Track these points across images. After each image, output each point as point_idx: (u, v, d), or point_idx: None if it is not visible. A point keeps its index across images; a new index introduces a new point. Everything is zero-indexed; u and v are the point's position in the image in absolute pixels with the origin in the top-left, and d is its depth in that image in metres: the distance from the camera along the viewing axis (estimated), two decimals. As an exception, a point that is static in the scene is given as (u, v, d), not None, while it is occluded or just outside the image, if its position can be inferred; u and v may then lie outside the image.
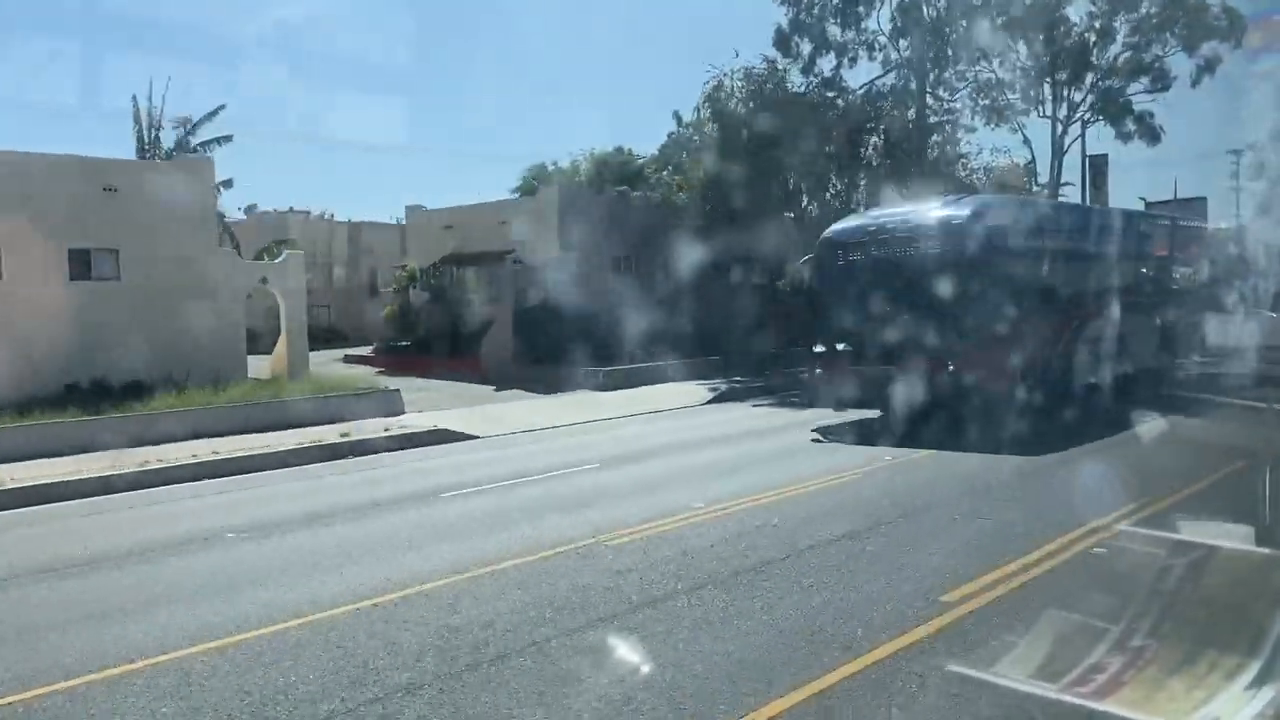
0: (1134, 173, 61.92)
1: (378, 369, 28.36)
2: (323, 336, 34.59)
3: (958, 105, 35.88)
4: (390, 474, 13.88)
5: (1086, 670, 4.62)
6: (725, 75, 28.83)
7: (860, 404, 16.27)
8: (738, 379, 24.62)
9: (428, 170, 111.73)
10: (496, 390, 23.93)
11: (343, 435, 16.59)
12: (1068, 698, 4.33)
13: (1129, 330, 17.43)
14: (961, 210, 15.51)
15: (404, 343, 29.46)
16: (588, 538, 8.95)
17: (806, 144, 29.05)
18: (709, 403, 21.59)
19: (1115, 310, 17.33)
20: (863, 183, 33.00)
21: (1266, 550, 5.42)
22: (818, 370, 16.66)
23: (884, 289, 15.37)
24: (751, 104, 28.74)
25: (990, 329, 14.48)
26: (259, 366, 23.46)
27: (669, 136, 37.24)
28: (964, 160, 37.35)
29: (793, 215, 30.66)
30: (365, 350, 30.75)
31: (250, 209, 43.29)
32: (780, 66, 29.98)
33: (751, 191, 27.86)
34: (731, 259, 27.74)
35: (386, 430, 17.23)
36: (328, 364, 29.45)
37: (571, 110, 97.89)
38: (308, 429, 17.17)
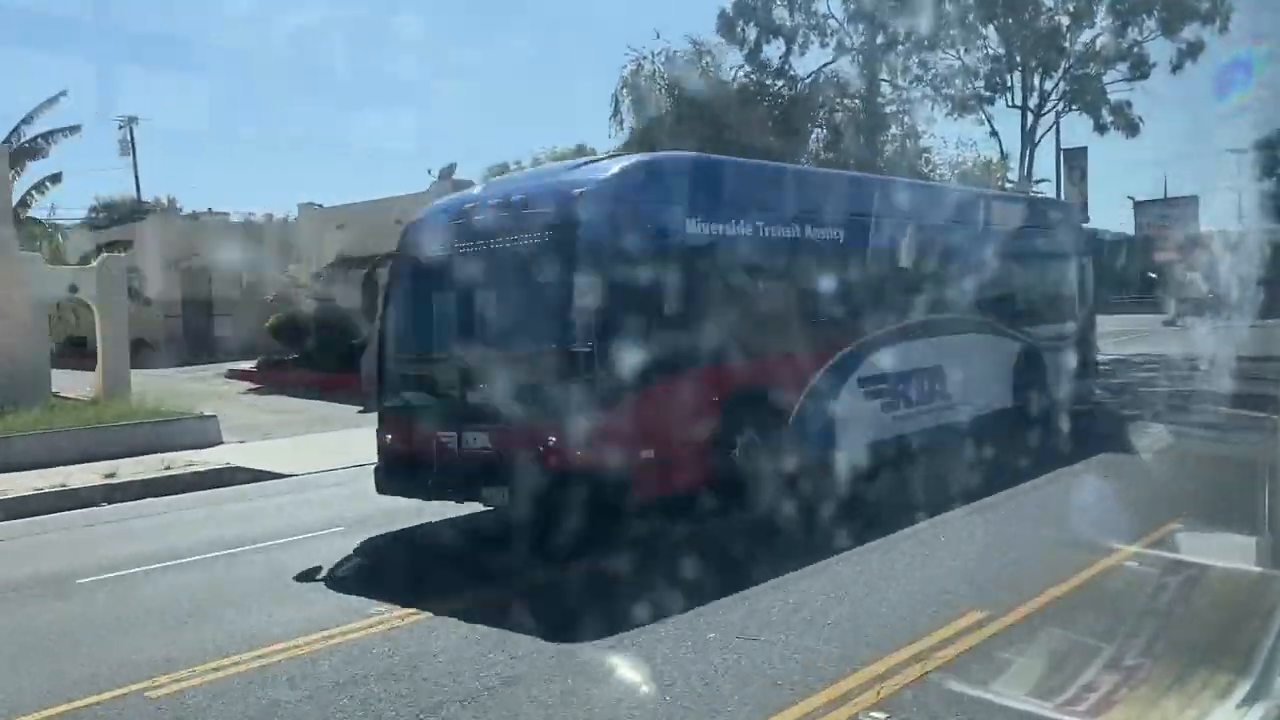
0: (1132, 171, 58.79)
1: (254, 386, 25.53)
2: (223, 348, 31.81)
3: (917, 95, 33.06)
4: (80, 538, 10.99)
5: (1080, 689, 4.72)
6: (645, 58, 25.96)
7: (466, 491, 9.05)
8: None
9: (392, 169, 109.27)
10: (362, 412, 20.91)
11: (106, 476, 13.71)
12: (1062, 716, 4.46)
13: (958, 361, 12.63)
14: (597, 174, 9.14)
15: (293, 356, 26.58)
16: (145, 679, 5.97)
17: (737, 135, 26.07)
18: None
19: (931, 333, 12.42)
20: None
21: (1259, 568, 5.36)
22: (388, 437, 9.59)
23: (467, 306, 9.48)
24: (676, 91, 25.85)
25: (639, 378, 8.30)
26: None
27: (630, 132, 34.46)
28: (927, 154, 34.53)
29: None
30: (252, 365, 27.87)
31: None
32: (707, 49, 26.98)
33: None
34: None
35: (168, 469, 14.31)
36: (207, 379, 26.70)
37: (548, 109, 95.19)
38: (70, 467, 14.31)
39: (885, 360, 11.55)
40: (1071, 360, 15.25)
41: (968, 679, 5.34)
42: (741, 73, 28.46)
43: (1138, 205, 54.00)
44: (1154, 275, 53.31)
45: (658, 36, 26.54)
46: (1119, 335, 39.99)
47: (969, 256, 13.34)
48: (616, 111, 25.66)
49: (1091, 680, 4.90)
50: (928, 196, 14.47)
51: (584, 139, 46.67)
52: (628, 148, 26.49)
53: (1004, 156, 36.17)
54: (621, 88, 25.63)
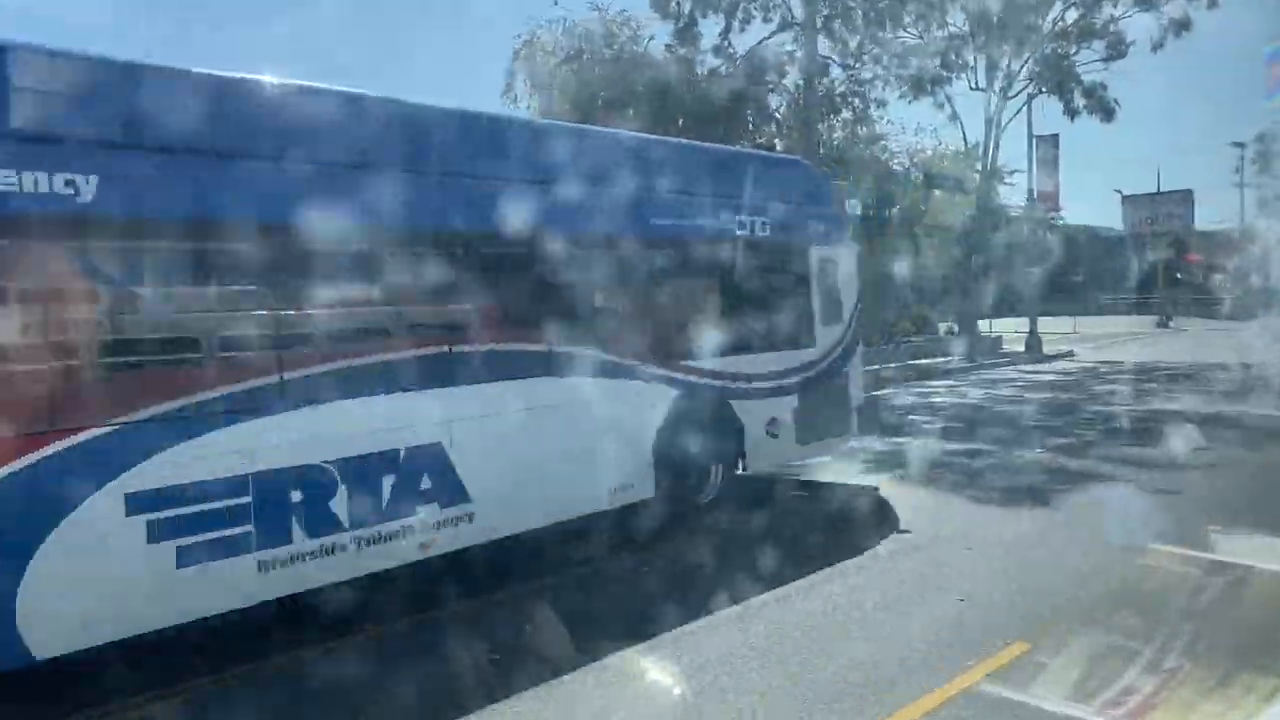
0: (1121, 163, 55.88)
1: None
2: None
3: (869, 75, 29.93)
4: None
5: (1120, 692, 4.83)
6: (541, 28, 22.94)
7: None
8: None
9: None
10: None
11: None
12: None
13: (493, 426, 6.93)
14: None
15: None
16: None
17: (649, 118, 23.03)
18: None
19: (417, 376, 6.58)
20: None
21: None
22: None
23: None
24: (578, 66, 22.85)
25: None
26: None
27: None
28: (882, 141, 31.48)
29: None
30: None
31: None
32: (616, 19, 23.83)
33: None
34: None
35: None
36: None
37: (437, 85, 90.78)
38: None
39: (239, 445, 5.60)
40: (805, 408, 9.51)
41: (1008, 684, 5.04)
42: (663, 46, 25.32)
43: (1127, 199, 50.80)
44: (1179, 275, 50.53)
45: (555, 3, 23.28)
46: (1102, 339, 37.12)
47: (544, 236, 7.30)
48: (510, 88, 22.70)
49: (1132, 683, 4.93)
50: (441, 126, 7.33)
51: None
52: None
53: (973, 145, 33.08)
54: (515, 61, 22.63)
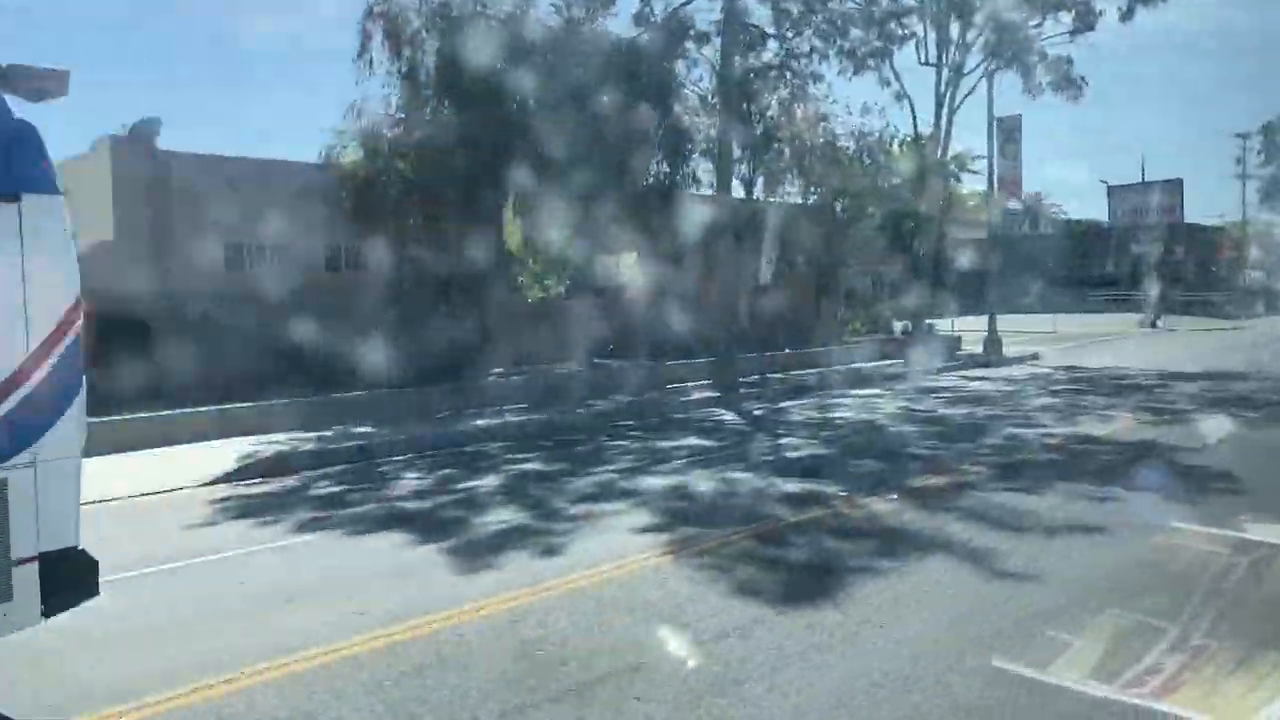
0: (1121, 158, 52.99)
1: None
2: None
3: (805, 49, 26.78)
4: None
5: (1143, 670, 4.71)
6: (405, -15, 19.78)
7: None
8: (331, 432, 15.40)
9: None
10: None
11: None
12: (1123, 697, 4.35)
13: None
14: None
15: None
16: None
17: (542, 101, 19.86)
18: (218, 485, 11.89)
19: None
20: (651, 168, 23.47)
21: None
22: None
23: None
24: (445, 22, 19.73)
25: None
26: None
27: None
28: (824, 123, 28.31)
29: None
30: None
31: None
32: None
33: (448, 180, 18.81)
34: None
35: None
36: None
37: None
38: None
39: None
40: None
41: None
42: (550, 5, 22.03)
43: (1113, 190, 47.61)
44: (1213, 269, 47.90)
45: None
46: (1082, 338, 34.06)
47: None
48: (365, 50, 19.53)
49: (1155, 662, 4.81)
50: None
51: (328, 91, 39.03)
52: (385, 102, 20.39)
53: (931, 130, 29.96)
54: (369, 17, 19.50)
